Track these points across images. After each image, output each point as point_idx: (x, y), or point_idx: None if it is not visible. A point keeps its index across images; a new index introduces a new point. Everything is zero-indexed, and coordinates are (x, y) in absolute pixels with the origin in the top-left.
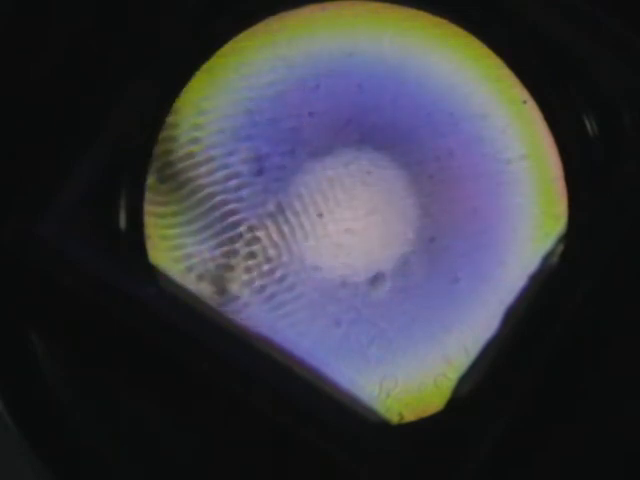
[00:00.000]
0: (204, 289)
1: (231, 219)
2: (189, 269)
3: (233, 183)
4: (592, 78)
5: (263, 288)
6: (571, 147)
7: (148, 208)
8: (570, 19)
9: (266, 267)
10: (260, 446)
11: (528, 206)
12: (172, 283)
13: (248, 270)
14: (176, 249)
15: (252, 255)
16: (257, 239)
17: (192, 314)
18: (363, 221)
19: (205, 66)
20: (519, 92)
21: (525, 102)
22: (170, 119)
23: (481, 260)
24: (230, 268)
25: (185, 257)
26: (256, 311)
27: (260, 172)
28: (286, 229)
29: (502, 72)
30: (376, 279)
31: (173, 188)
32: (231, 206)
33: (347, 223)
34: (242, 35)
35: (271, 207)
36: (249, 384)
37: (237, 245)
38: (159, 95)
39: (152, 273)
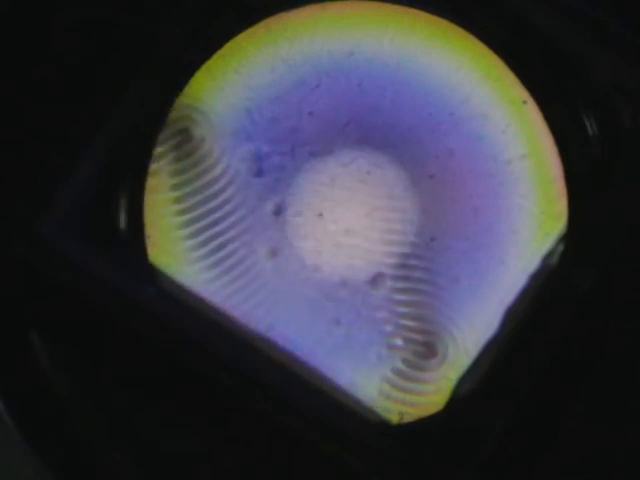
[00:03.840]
0: None
1: (230, 219)
2: None
3: (233, 182)
4: (592, 78)
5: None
6: (571, 147)
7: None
8: (570, 19)
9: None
10: (259, 446)
11: (528, 206)
12: (172, 283)
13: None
14: (177, 248)
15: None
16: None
17: (192, 314)
18: (363, 221)
19: (205, 66)
20: (519, 92)
21: (525, 102)
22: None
23: (481, 260)
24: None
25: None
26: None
27: (260, 172)
28: (286, 229)
29: (502, 72)
30: (376, 279)
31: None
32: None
33: (347, 223)
34: (242, 35)
35: (271, 207)
36: (249, 384)
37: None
38: (159, 95)
39: (152, 273)
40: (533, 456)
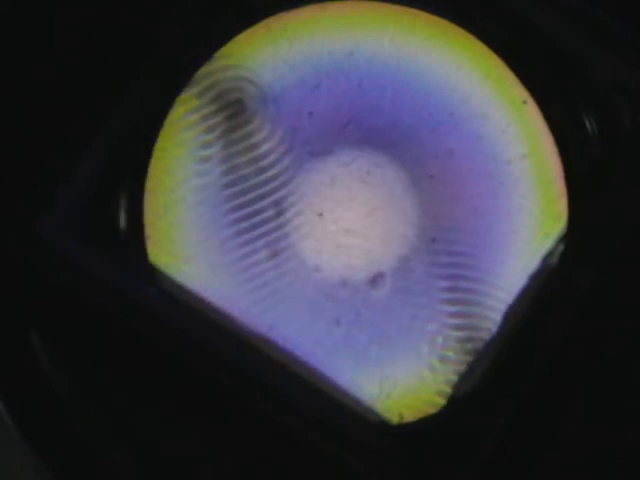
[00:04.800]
0: None
1: (232, 216)
2: None
3: (232, 182)
4: (592, 78)
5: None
6: (571, 147)
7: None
8: (570, 19)
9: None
10: (259, 446)
11: (528, 206)
12: (172, 283)
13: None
14: (177, 248)
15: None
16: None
17: (192, 314)
18: (363, 221)
19: (205, 66)
20: (519, 92)
21: (525, 102)
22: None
23: (481, 260)
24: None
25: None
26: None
27: (260, 172)
28: (286, 229)
29: (502, 72)
30: (376, 279)
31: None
32: (232, 204)
33: (347, 223)
34: (242, 35)
35: (271, 207)
36: (249, 384)
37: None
38: (159, 95)
39: (152, 273)
40: (533, 456)
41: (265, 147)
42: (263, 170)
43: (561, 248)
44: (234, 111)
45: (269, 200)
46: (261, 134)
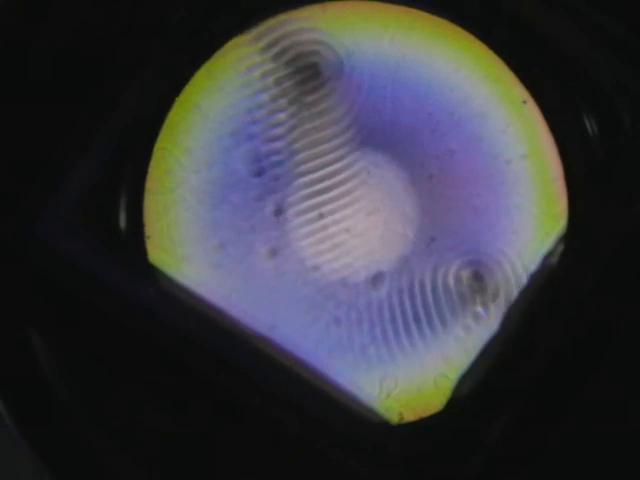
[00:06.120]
0: None
1: (230, 218)
2: None
3: (232, 182)
4: (592, 78)
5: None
6: (571, 147)
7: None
8: (570, 19)
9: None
10: (259, 446)
11: (528, 206)
12: (172, 283)
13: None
14: (176, 248)
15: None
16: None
17: (192, 314)
18: (363, 221)
19: (205, 66)
20: (519, 92)
21: (525, 102)
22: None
23: (481, 260)
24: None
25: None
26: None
27: (260, 172)
28: (286, 228)
29: (502, 72)
30: (376, 279)
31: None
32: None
33: (347, 223)
34: (242, 35)
35: (271, 207)
36: (249, 384)
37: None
38: (159, 95)
39: (152, 273)
40: (533, 456)
41: (332, 115)
42: (263, 171)
43: (561, 248)
44: (308, 75)
45: (269, 200)
46: (330, 102)
